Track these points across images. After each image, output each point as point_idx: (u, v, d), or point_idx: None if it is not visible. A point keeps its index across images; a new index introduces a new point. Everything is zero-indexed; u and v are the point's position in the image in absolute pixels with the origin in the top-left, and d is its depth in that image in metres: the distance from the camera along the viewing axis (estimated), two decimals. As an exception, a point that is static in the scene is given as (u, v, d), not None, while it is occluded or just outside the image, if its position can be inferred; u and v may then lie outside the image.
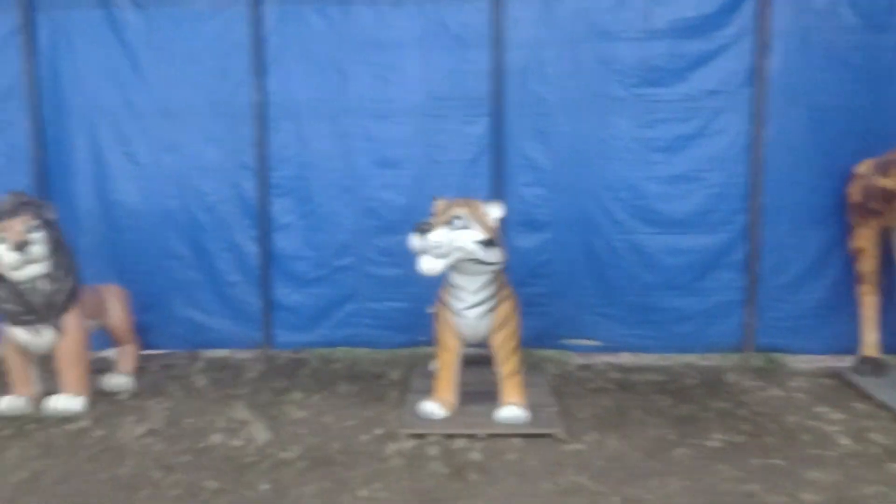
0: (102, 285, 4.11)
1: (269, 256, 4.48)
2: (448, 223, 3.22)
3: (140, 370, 4.21)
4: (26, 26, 4.34)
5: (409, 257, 4.34)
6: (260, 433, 3.43)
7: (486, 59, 4.25)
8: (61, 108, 4.43)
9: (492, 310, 3.43)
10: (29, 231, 3.49)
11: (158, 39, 4.35)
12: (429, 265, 3.20)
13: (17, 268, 3.45)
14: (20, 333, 3.64)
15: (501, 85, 4.25)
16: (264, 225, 4.44)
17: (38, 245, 3.49)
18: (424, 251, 3.20)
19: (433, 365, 4.19)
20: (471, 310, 3.42)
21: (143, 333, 4.39)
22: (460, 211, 3.25)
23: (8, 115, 4.44)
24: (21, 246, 3.42)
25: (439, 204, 3.40)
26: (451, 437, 3.34)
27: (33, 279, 3.53)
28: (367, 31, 4.28)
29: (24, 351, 3.73)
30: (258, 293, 4.50)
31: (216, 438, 3.40)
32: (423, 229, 3.18)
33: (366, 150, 4.36)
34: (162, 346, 4.59)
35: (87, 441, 3.39)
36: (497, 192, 4.23)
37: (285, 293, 4.51)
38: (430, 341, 4.44)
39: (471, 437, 3.34)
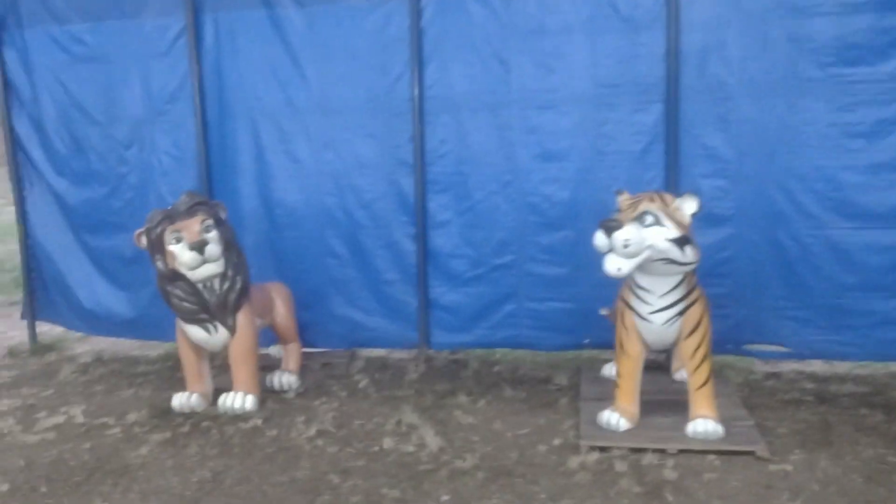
0: (268, 283, 4.12)
1: (426, 254, 4.35)
2: (637, 219, 2.97)
3: (302, 368, 4.19)
4: (192, 28, 4.41)
5: (573, 255, 4.16)
6: (431, 439, 3.30)
7: (659, 42, 3.93)
8: (225, 108, 4.49)
9: (681, 314, 3.14)
10: (205, 230, 3.51)
11: (319, 37, 4.30)
12: (615, 265, 2.95)
13: (194, 267, 3.47)
14: (195, 331, 3.69)
15: (677, 69, 3.91)
16: (422, 222, 4.32)
17: (214, 244, 3.51)
18: (611, 250, 2.96)
19: (606, 370, 3.95)
20: (658, 314, 3.14)
21: (302, 331, 4.37)
22: (650, 206, 2.99)
23: (175, 117, 4.54)
24: (199, 245, 3.44)
25: (624, 199, 3.15)
26: (637, 451, 3.09)
27: (209, 278, 3.55)
28: (529, 17, 4.06)
29: (197, 348, 3.78)
30: (415, 292, 4.39)
31: (388, 443, 3.29)
32: (610, 226, 2.94)
33: (527, 143, 4.15)
34: (320, 344, 4.57)
35: (261, 441, 3.38)
36: (671, 185, 3.91)
37: (442, 292, 4.38)
38: (596, 344, 4.22)
39: (660, 452, 3.07)
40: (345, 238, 4.44)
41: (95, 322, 4.86)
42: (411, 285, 4.39)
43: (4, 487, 3.02)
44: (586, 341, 4.20)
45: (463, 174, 4.27)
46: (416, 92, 4.22)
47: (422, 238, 4.33)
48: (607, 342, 4.11)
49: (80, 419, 3.71)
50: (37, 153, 4.77)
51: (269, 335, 4.27)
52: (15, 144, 4.83)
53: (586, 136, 4.08)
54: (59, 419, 3.71)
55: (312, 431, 3.43)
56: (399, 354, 4.55)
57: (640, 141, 4.02)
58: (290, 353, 4.14)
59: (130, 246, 4.62)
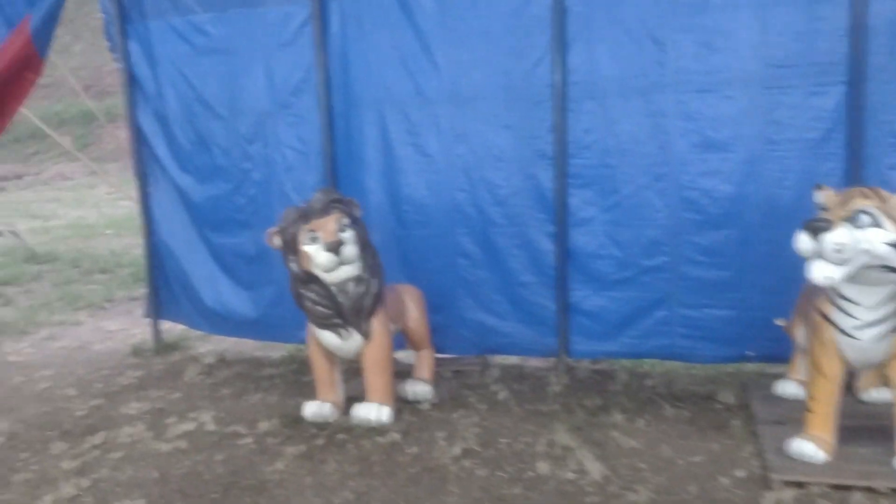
0: (399, 285, 3.86)
1: (566, 255, 3.99)
2: (850, 220, 2.53)
3: (434, 376, 3.91)
4: (318, 16, 4.19)
5: (736, 257, 3.71)
6: (591, 464, 2.95)
7: (842, 15, 3.43)
8: (351, 99, 4.25)
9: (895, 330, 2.68)
10: (341, 230, 3.28)
11: (451, 20, 4.00)
12: (824, 273, 2.52)
13: (330, 269, 3.24)
14: (328, 337, 3.46)
15: (863, 45, 3.41)
16: (562, 220, 3.96)
17: (350, 245, 3.27)
18: (818, 255, 2.53)
19: (779, 388, 3.51)
20: (866, 329, 2.69)
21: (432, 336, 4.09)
22: (866, 204, 2.54)
23: (300, 110, 4.33)
24: (335, 246, 3.20)
25: (830, 195, 2.70)
26: (841, 488, 2.65)
27: (344, 281, 3.32)
28: (690, -10, 3.64)
29: (330, 355, 3.55)
30: (554, 296, 4.03)
31: (543, 467, 2.97)
32: (818, 228, 2.51)
33: (684, 131, 3.72)
34: (448, 349, 4.28)
35: (402, 459, 3.11)
36: (854, 177, 3.42)
37: (584, 296, 4.01)
38: (761, 357, 3.78)
39: (869, 490, 2.63)
40: (476, 237, 4.13)
41: (217, 321, 4.73)
42: (549, 288, 4.04)
43: (140, 503, 2.86)
44: (750, 354, 3.76)
45: (609, 166, 3.88)
46: (558, 77, 3.86)
47: (561, 237, 3.97)
48: (775, 355, 3.70)
49: (210, 426, 3.54)
50: (161, 149, 4.67)
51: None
52: (139, 140, 4.75)
53: (754, 123, 3.62)
54: (190, 426, 3.55)
55: (457, 450, 3.13)
56: (535, 362, 4.22)
57: (818, 128, 3.55)
58: (423, 361, 3.86)
59: (253, 244, 4.51)
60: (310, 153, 4.34)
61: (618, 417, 3.39)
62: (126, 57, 4.65)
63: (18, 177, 17.28)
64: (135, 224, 9.53)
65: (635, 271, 3.90)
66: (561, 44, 3.84)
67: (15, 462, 3.29)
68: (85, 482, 3.04)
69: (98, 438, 3.46)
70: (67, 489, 2.98)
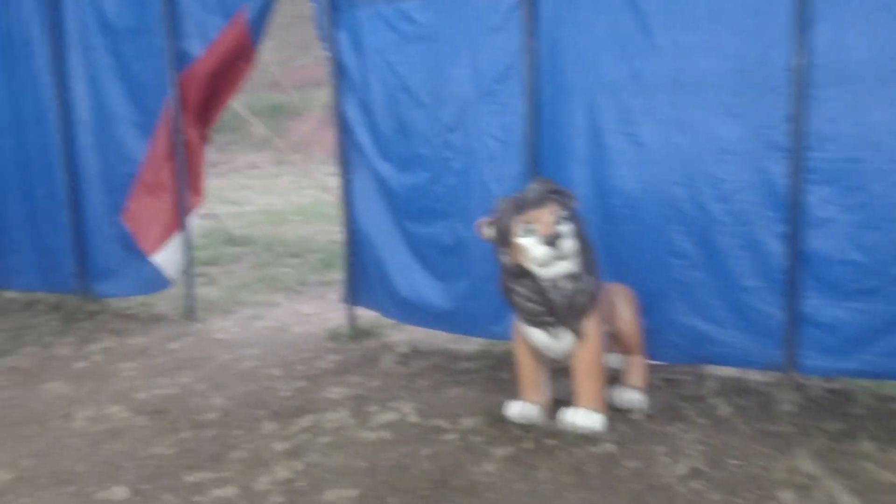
0: (611, 284, 3.61)
1: (799, 258, 3.58)
2: None
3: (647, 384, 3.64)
4: (529, -1, 4.03)
5: None
6: (844, 498, 2.58)
7: None
8: (560, 85, 4.04)
9: None
10: (558, 223, 3.09)
11: (677, -1, 3.70)
12: None
13: (546, 264, 3.07)
14: (538, 335, 3.29)
15: None
16: (796, 219, 3.55)
17: (568, 239, 3.08)
18: None
19: None
20: None
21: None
22: None
23: (504, 98, 4.18)
24: (552, 240, 3.02)
25: None
26: None
27: (558, 277, 3.13)
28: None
29: (538, 354, 3.38)
30: (782, 303, 3.63)
31: (786, 497, 2.63)
32: None
33: (956, 122, 3.22)
34: (656, 356, 3.95)
35: (621, 473, 2.88)
36: None
37: (819, 305, 3.57)
38: None
39: None
40: (693, 235, 3.80)
41: (411, 311, 4.70)
42: (777, 295, 3.64)
43: (353, 493, 2.83)
44: None
45: (856, 161, 3.42)
46: (799, 61, 3.44)
47: (794, 238, 3.56)
48: None
49: (412, 418, 3.49)
50: (364, 137, 4.69)
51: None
52: (343, 128, 4.81)
53: None
54: (392, 416, 3.52)
55: (682, 469, 2.86)
56: (756, 376, 3.82)
57: None
58: (635, 367, 3.60)
59: (450, 235, 4.44)
60: (512, 142, 4.18)
61: (867, 446, 2.97)
62: (334, 46, 4.71)
63: (214, 165, 18.57)
64: (320, 211, 9.95)
65: (883, 281, 3.42)
66: (803, 23, 3.43)
67: (230, 439, 3.38)
68: (298, 465, 3.06)
69: (306, 421, 3.50)
70: (282, 471, 3.01)
